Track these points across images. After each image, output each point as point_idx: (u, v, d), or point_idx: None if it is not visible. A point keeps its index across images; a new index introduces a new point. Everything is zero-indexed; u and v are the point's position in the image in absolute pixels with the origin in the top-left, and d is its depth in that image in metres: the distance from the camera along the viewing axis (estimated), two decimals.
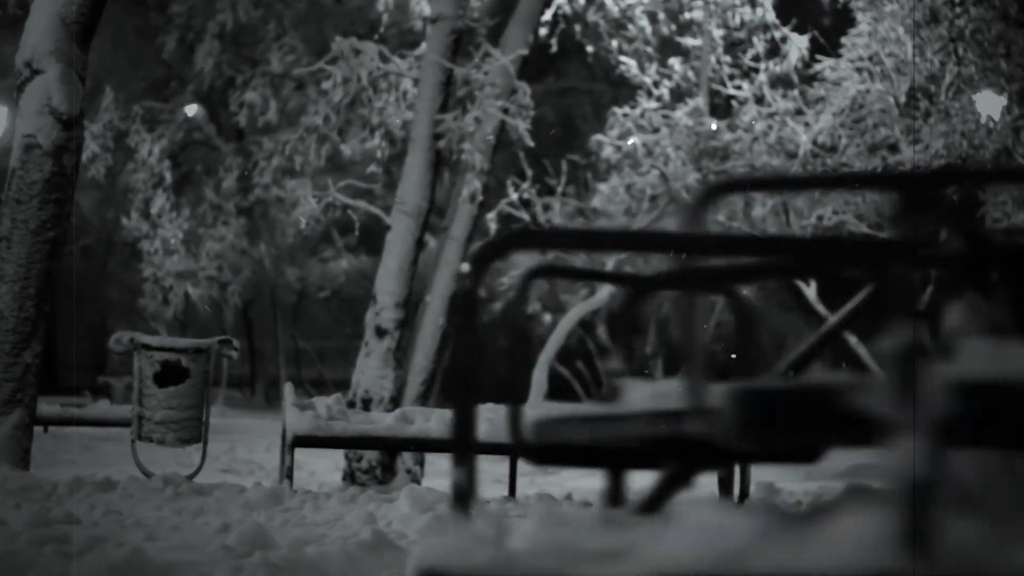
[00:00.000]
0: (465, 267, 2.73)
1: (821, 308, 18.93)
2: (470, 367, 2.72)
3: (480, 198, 17.01)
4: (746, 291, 28.26)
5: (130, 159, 27.23)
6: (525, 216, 21.77)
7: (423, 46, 17.37)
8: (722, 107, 21.76)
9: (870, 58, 17.65)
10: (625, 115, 21.00)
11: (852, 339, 17.50)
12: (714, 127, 20.12)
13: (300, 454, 11.37)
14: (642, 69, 21.27)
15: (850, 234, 17.90)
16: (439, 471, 16.38)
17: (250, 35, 27.27)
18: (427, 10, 17.62)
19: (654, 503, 3.19)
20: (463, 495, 2.71)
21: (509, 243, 2.93)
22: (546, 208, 22.68)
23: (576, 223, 23.36)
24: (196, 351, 12.11)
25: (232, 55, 27.38)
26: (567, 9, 20.51)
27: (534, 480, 15.34)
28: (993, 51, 16.63)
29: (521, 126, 16.87)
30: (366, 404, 15.75)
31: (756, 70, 20.43)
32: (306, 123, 18.84)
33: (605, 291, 20.97)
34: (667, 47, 21.73)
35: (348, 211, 19.40)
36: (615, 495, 3.43)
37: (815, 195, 17.94)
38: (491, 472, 13.81)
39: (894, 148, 17.53)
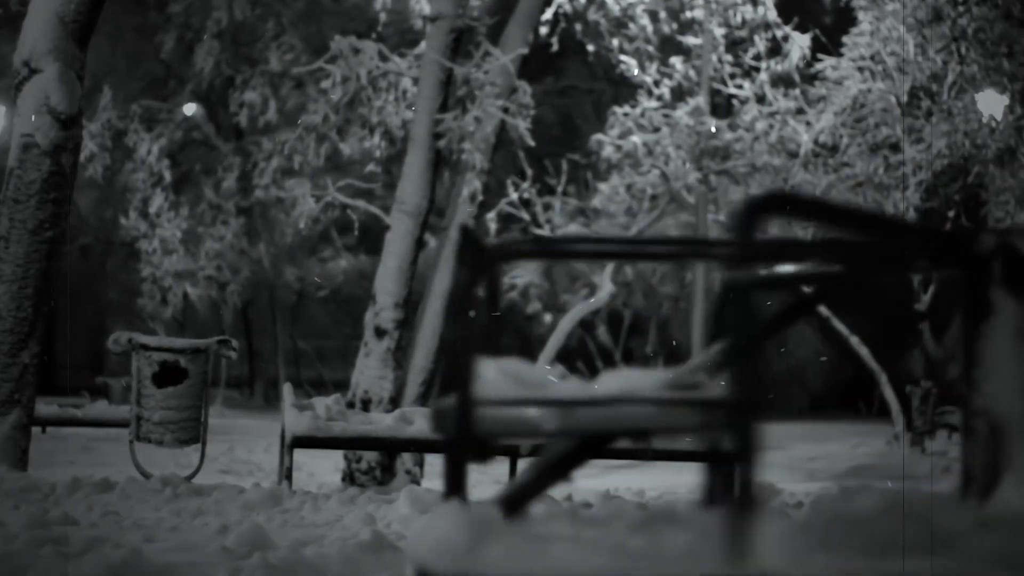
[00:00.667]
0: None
1: (823, 308, 18.85)
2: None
3: (480, 198, 16.95)
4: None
5: (128, 158, 27.19)
6: (525, 216, 21.72)
7: (423, 45, 17.31)
8: (723, 106, 21.70)
9: (872, 57, 17.59)
10: (626, 114, 20.94)
11: (854, 339, 17.49)
12: (714, 127, 20.03)
13: (299, 455, 11.25)
14: (643, 68, 21.19)
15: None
16: (439, 472, 16.28)
17: (249, 34, 27.21)
18: (427, 9, 17.55)
19: (523, 498, 3.00)
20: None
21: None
22: (546, 208, 22.62)
23: (576, 223, 23.31)
24: (194, 351, 12.00)
25: (231, 54, 27.32)
26: (568, 8, 20.43)
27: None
28: (996, 50, 16.57)
29: (521, 125, 16.82)
30: (365, 405, 15.70)
31: (757, 69, 20.35)
32: (305, 122, 18.77)
33: (606, 291, 20.90)
34: (668, 46, 21.65)
35: (347, 211, 19.34)
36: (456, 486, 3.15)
37: (817, 194, 17.89)
38: (491, 472, 13.72)
39: (896, 148, 17.46)
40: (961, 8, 16.45)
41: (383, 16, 19.80)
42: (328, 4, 27.68)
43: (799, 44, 20.13)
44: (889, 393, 19.11)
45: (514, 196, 21.11)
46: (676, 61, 21.53)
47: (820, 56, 18.75)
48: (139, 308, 28.21)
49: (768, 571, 2.48)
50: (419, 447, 11.44)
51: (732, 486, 9.87)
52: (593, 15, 20.81)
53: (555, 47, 20.57)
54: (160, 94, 28.95)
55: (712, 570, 2.49)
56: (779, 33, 20.35)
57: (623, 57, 21.37)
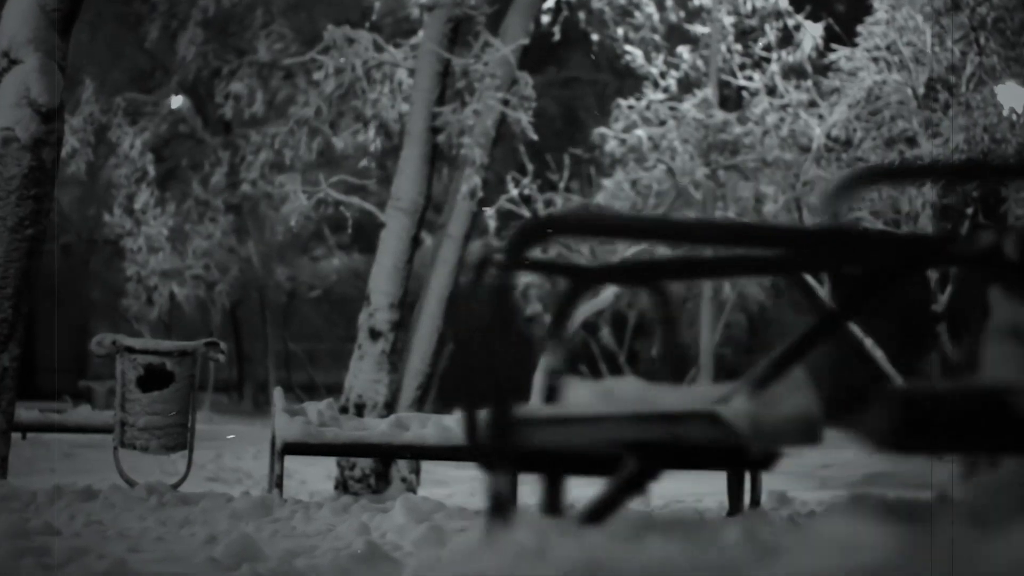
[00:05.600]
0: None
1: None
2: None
3: (480, 194, 16.84)
4: (760, 292, 28.09)
5: (112, 153, 27.23)
6: (526, 213, 21.62)
7: (419, 35, 17.40)
8: (732, 98, 21.67)
9: (887, 47, 17.52)
10: (630, 107, 20.92)
11: (868, 341, 17.23)
12: (723, 119, 19.84)
13: (290, 462, 11.25)
14: (648, 59, 21.32)
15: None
16: (435, 479, 16.32)
17: (236, 23, 27.11)
18: None
19: (601, 512, 3.02)
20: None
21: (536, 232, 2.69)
22: (548, 204, 22.47)
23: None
24: (181, 354, 12.01)
25: (218, 44, 27.23)
26: None
27: (535, 490, 15.06)
28: (1016, 40, 16.61)
29: (523, 119, 16.85)
30: (359, 409, 15.67)
31: (768, 60, 20.30)
32: (296, 115, 18.74)
33: (609, 292, 20.76)
34: (675, 35, 21.81)
35: (341, 207, 19.27)
36: (553, 503, 3.38)
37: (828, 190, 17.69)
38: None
39: (912, 142, 17.39)
40: None
41: (378, 5, 19.80)
42: None
43: (812, 34, 20.07)
44: None
45: (514, 192, 21.05)
46: (683, 51, 21.62)
47: (833, 46, 18.64)
48: (124, 309, 28.35)
49: None
50: (415, 454, 11.40)
51: (743, 493, 9.64)
52: (597, 3, 20.96)
53: (557, 37, 20.65)
54: (145, 86, 29.08)
55: None
56: (791, 22, 20.30)
57: (628, 47, 21.47)
